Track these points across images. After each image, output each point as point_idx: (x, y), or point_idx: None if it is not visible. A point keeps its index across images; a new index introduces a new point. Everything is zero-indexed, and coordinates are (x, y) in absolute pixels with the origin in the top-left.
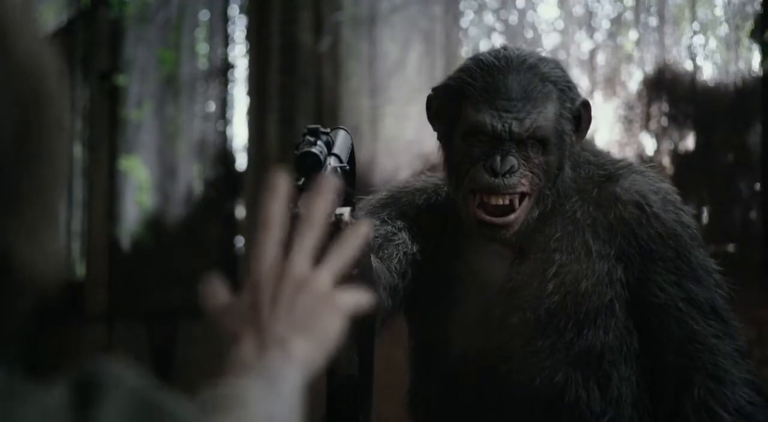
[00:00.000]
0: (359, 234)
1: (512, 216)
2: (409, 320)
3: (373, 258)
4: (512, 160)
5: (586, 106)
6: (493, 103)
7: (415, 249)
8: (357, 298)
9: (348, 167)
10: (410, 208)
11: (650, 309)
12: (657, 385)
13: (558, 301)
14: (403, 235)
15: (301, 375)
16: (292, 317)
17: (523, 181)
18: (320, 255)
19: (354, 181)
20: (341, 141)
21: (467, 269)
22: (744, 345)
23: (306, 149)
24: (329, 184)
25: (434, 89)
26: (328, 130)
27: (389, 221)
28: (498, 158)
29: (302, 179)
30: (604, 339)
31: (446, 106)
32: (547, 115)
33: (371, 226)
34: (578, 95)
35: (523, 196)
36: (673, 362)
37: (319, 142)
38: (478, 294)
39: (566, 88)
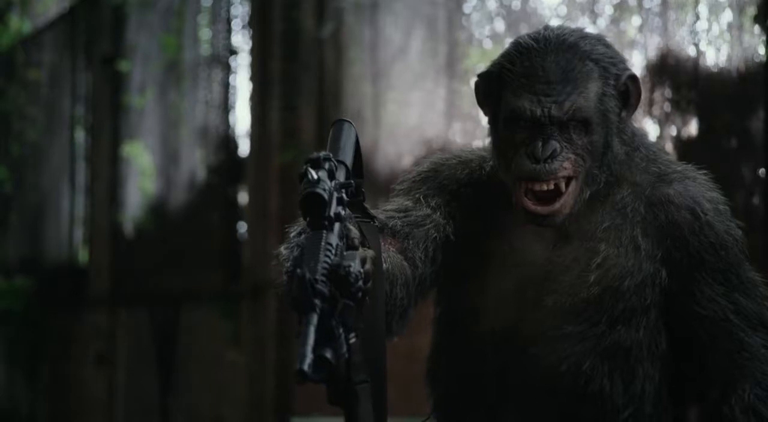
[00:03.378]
0: None
1: (557, 204)
2: (440, 289)
3: (389, 257)
4: (554, 144)
5: (633, 79)
6: (531, 87)
7: (450, 229)
8: None
9: (353, 181)
10: (451, 182)
11: (697, 319)
12: (699, 386)
13: (597, 293)
14: (437, 216)
15: None
16: None
17: (566, 164)
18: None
19: (362, 171)
20: (345, 136)
21: (507, 245)
22: None
23: (309, 190)
24: None
25: (479, 75)
26: (330, 155)
27: (424, 200)
28: (539, 143)
29: (308, 218)
30: (634, 336)
31: (490, 92)
32: (587, 95)
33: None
34: (624, 70)
35: (569, 179)
36: (721, 369)
37: (320, 173)
38: (516, 272)
39: (609, 64)
